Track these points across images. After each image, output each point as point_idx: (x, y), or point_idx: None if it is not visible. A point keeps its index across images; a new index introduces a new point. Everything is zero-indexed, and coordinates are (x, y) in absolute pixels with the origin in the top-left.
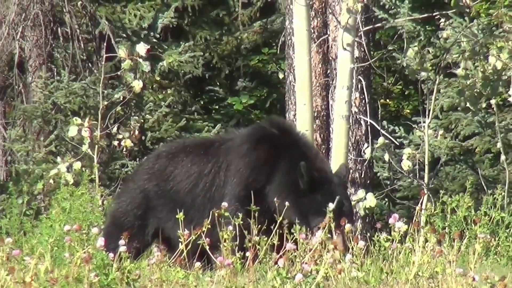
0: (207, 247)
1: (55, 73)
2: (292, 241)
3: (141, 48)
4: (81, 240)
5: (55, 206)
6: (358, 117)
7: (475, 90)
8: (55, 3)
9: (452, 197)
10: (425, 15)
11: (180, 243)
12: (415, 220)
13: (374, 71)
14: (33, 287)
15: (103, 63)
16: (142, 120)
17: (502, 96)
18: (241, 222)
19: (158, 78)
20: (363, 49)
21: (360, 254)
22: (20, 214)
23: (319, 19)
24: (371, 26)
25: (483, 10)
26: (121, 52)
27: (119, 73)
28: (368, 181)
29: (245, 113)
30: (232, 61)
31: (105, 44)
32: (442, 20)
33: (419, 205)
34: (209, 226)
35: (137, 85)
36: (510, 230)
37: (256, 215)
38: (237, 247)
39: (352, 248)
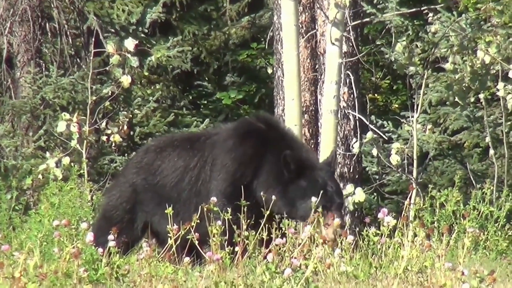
0: (196, 242)
1: (44, 69)
2: (280, 234)
3: (130, 43)
4: (70, 235)
5: (44, 201)
6: (346, 112)
7: (464, 84)
8: None
9: (440, 191)
10: (413, 9)
11: (168, 238)
12: (404, 214)
13: (362, 66)
14: (22, 282)
15: (91, 58)
16: (131, 115)
17: (490, 90)
18: (230, 217)
19: (146, 73)
20: (351, 44)
21: (349, 248)
22: (9, 209)
23: (307, 14)
24: (359, 21)
25: (471, 4)
26: (110, 47)
27: (107, 68)
28: (357, 176)
29: (234, 108)
30: (221, 56)
31: (93, 39)
32: (430, 14)
33: (408, 199)
34: (198, 221)
35: (126, 80)
36: (499, 225)
37: (245, 210)
38: (226, 242)
39: (341, 243)
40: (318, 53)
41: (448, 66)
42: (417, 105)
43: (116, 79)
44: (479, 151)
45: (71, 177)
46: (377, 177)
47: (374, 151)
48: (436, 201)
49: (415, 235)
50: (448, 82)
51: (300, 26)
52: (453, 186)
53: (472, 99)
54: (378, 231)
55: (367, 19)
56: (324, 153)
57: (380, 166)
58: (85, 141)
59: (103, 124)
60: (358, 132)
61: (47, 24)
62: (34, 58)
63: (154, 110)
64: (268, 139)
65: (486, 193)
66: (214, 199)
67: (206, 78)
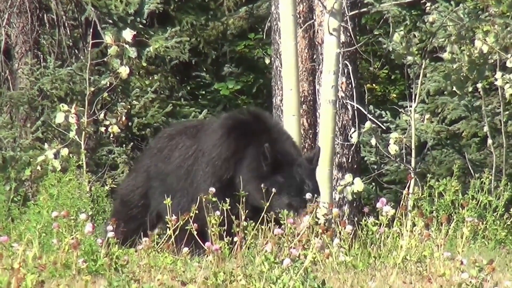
0: (195, 233)
1: (41, 60)
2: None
3: (128, 34)
4: (69, 226)
5: (42, 192)
6: (344, 102)
7: (462, 74)
8: None
9: (439, 181)
10: None
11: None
12: (402, 204)
13: (360, 56)
14: (21, 273)
15: (89, 49)
16: (129, 106)
17: (488, 80)
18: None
19: (144, 64)
20: (349, 34)
21: (347, 238)
22: (8, 201)
23: (305, 4)
24: (357, 11)
25: None
26: (108, 38)
27: (105, 59)
28: (355, 166)
29: (232, 99)
30: (219, 46)
31: (91, 30)
32: (428, 4)
33: (406, 189)
34: (197, 211)
35: (124, 71)
36: (497, 214)
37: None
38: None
39: (340, 233)
40: (316, 43)
41: (446, 55)
42: (415, 95)
43: (114, 70)
44: (477, 141)
45: (70, 168)
46: (375, 167)
47: (373, 141)
48: (435, 190)
49: (413, 224)
50: (446, 71)
51: (298, 16)
52: (452, 176)
53: (470, 89)
54: (376, 221)
55: (365, 9)
56: (322, 143)
57: (378, 156)
58: (83, 132)
59: (101, 115)
60: (356, 122)
61: (45, 15)
62: (32, 49)
63: (152, 100)
64: (252, 133)
65: (484, 183)
66: (212, 189)
67: (204, 69)
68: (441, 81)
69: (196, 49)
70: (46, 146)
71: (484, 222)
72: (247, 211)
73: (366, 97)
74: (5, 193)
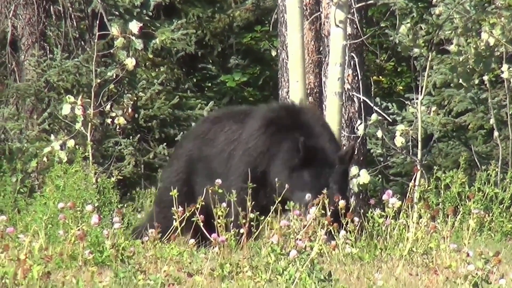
0: (201, 224)
1: (48, 51)
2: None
3: (134, 26)
4: (75, 217)
5: (49, 184)
6: (351, 94)
7: (468, 66)
8: None
9: (445, 173)
10: None
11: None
12: (408, 196)
13: (366, 48)
14: (27, 264)
15: (95, 41)
16: (135, 98)
17: (494, 72)
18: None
19: (151, 56)
20: (355, 26)
21: (354, 230)
22: (14, 192)
23: None
24: (363, 3)
25: None
26: (114, 30)
27: (111, 51)
28: (362, 158)
29: (238, 91)
30: (225, 38)
31: (97, 22)
32: None
33: (413, 181)
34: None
35: (130, 63)
36: (503, 206)
37: (259, 196)
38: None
39: (346, 224)
40: (322, 35)
41: (452, 48)
42: (422, 87)
43: (121, 62)
44: (483, 133)
45: (76, 159)
46: (381, 159)
47: (379, 133)
48: (441, 183)
49: (420, 217)
50: (452, 64)
51: (304, 8)
52: (458, 168)
53: (477, 81)
54: (383, 213)
55: (371, 1)
56: None
57: (384, 148)
58: (89, 124)
59: (108, 107)
60: (363, 114)
61: (51, 7)
62: (38, 41)
63: (159, 92)
64: (290, 127)
65: (490, 175)
66: (218, 181)
67: (210, 61)
68: (448, 73)
69: (202, 41)
70: (52, 137)
71: (490, 214)
72: (276, 202)
73: (372, 89)
74: (12, 184)
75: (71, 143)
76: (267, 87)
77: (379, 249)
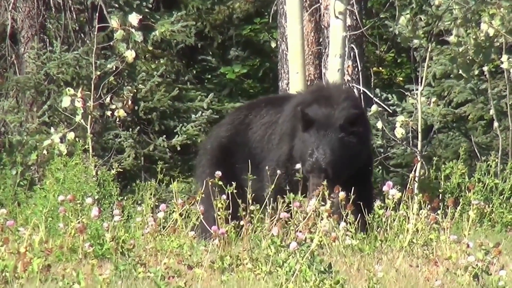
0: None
1: (48, 44)
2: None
3: (134, 18)
4: (75, 210)
5: (49, 176)
6: (351, 85)
7: (468, 57)
8: None
9: (445, 164)
10: None
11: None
12: (408, 187)
13: (366, 39)
14: (27, 257)
15: (95, 33)
16: (135, 90)
17: (494, 63)
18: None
19: (150, 48)
20: (355, 17)
21: (354, 222)
22: (14, 185)
23: None
24: None
25: None
26: (114, 22)
27: (111, 43)
28: None
29: (238, 83)
30: (224, 30)
31: (97, 14)
32: None
33: (413, 172)
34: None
35: (130, 55)
36: (503, 197)
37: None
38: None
39: (347, 216)
40: (322, 26)
41: (452, 39)
42: (421, 78)
43: (120, 54)
44: (483, 124)
45: (76, 152)
46: (382, 150)
47: (379, 124)
48: (441, 173)
49: (420, 208)
50: (452, 55)
51: (304, 0)
52: (458, 159)
53: (476, 72)
54: (383, 204)
55: None
56: None
57: (384, 139)
58: (89, 116)
59: (108, 99)
60: (363, 106)
61: (51, 0)
62: (38, 33)
63: (158, 84)
64: (311, 102)
65: (490, 166)
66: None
67: (210, 53)
68: (447, 64)
69: (202, 33)
70: (52, 130)
71: (491, 205)
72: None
73: (372, 80)
74: (12, 177)
75: (71, 135)
76: (267, 78)
77: (380, 241)
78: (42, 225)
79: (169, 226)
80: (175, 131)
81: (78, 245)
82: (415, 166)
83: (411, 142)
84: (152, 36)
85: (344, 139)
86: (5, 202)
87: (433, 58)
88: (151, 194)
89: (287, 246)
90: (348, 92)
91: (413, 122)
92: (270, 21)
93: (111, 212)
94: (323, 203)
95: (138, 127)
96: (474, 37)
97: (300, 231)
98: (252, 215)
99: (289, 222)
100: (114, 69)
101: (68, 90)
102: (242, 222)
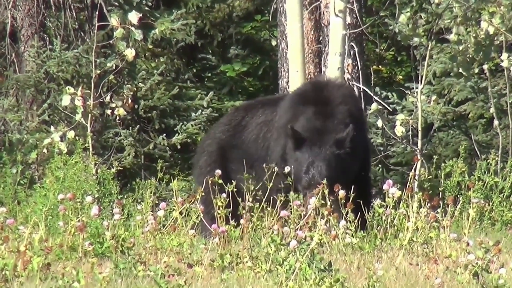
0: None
1: (48, 42)
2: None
3: (133, 17)
4: (75, 209)
5: (49, 175)
6: (351, 84)
7: (468, 55)
8: None
9: (445, 162)
10: None
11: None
12: (408, 186)
13: (366, 38)
14: (27, 256)
15: (95, 32)
16: (135, 89)
17: (494, 61)
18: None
19: (150, 46)
20: (355, 16)
21: (354, 220)
22: (14, 184)
23: None
24: None
25: None
26: (113, 20)
27: (111, 41)
28: None
29: (238, 81)
30: (225, 28)
31: (97, 12)
32: None
33: (413, 171)
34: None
35: (130, 53)
36: (504, 195)
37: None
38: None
39: (347, 214)
40: (322, 25)
41: (452, 37)
42: (422, 76)
43: (120, 53)
44: (483, 122)
45: (76, 151)
46: (382, 148)
47: (379, 123)
48: (441, 172)
49: (420, 206)
50: (452, 53)
51: None
52: (458, 157)
53: (476, 70)
54: (383, 203)
55: None
56: None
57: (385, 137)
58: (89, 115)
59: (108, 98)
60: (363, 104)
61: None
62: (38, 32)
63: (158, 83)
64: (309, 101)
65: (490, 164)
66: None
67: (210, 51)
68: (448, 62)
69: (202, 31)
70: (52, 128)
71: (491, 204)
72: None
73: (372, 78)
74: (12, 176)
75: (71, 134)
76: (267, 77)
77: (380, 239)
78: (42, 223)
79: (169, 225)
80: (175, 129)
81: (78, 243)
82: (415, 165)
83: (411, 140)
84: (152, 34)
85: (340, 154)
86: (5, 201)
87: (433, 56)
88: (151, 193)
89: (287, 244)
90: (344, 96)
91: (413, 121)
92: (270, 19)
93: (111, 211)
94: (322, 202)
95: (138, 126)
96: (474, 35)
97: (300, 229)
98: (252, 213)
99: (289, 221)
100: (114, 67)
101: (68, 88)
102: (242, 221)
